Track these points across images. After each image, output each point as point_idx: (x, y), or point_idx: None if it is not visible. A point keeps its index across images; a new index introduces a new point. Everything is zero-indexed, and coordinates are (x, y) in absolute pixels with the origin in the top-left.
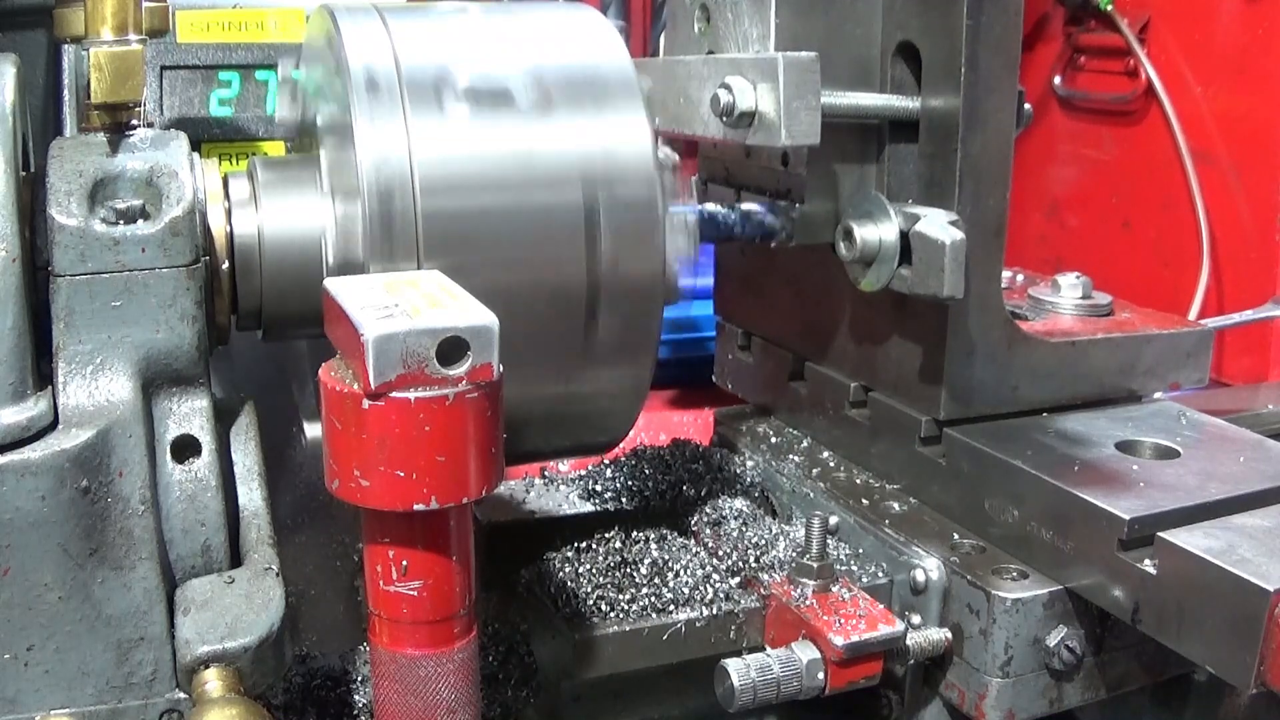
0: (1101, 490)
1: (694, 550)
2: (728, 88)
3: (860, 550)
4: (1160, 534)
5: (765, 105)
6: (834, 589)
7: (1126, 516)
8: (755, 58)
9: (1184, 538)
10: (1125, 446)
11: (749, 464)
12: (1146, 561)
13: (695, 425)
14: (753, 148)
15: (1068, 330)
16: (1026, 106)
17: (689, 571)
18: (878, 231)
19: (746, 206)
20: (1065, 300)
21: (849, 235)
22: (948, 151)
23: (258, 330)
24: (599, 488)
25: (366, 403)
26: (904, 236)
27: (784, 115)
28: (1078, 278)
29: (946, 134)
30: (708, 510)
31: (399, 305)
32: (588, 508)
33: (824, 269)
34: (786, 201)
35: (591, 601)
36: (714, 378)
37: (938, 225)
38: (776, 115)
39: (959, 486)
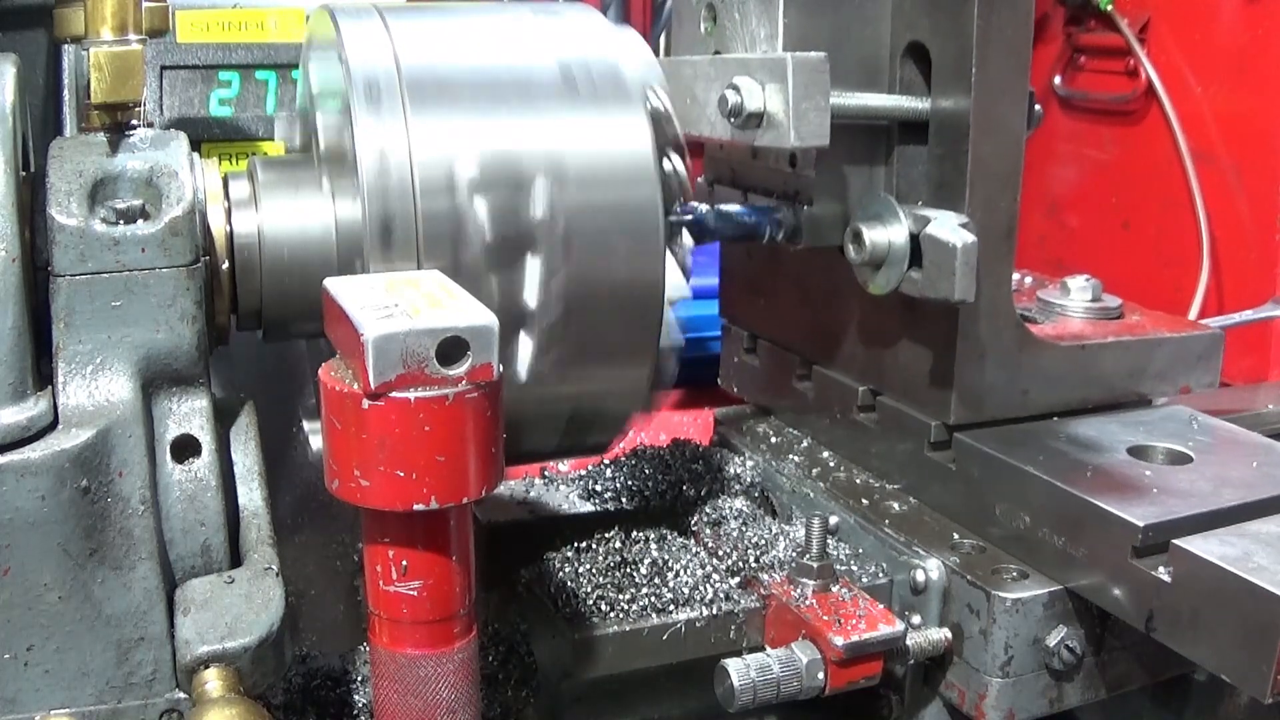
0: (1114, 496)
1: (694, 550)
2: (735, 88)
3: (860, 550)
4: (1175, 541)
5: (774, 106)
6: (834, 589)
7: (1141, 523)
8: (764, 58)
9: (1199, 545)
10: (1137, 451)
11: (749, 464)
12: (1161, 569)
13: (695, 425)
14: (760, 149)
15: (1078, 334)
16: (1037, 108)
17: (689, 571)
18: (887, 234)
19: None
20: (1075, 303)
21: (858, 237)
22: (958, 153)
23: (258, 330)
24: (599, 488)
25: (366, 403)
26: (913, 239)
27: (793, 116)
28: (1087, 280)
29: (957, 136)
30: (708, 510)
31: (399, 305)
32: (588, 508)
33: (832, 271)
34: (794, 203)
35: (591, 601)
36: (719, 381)
37: (949, 228)
38: (785, 116)
39: (967, 491)
